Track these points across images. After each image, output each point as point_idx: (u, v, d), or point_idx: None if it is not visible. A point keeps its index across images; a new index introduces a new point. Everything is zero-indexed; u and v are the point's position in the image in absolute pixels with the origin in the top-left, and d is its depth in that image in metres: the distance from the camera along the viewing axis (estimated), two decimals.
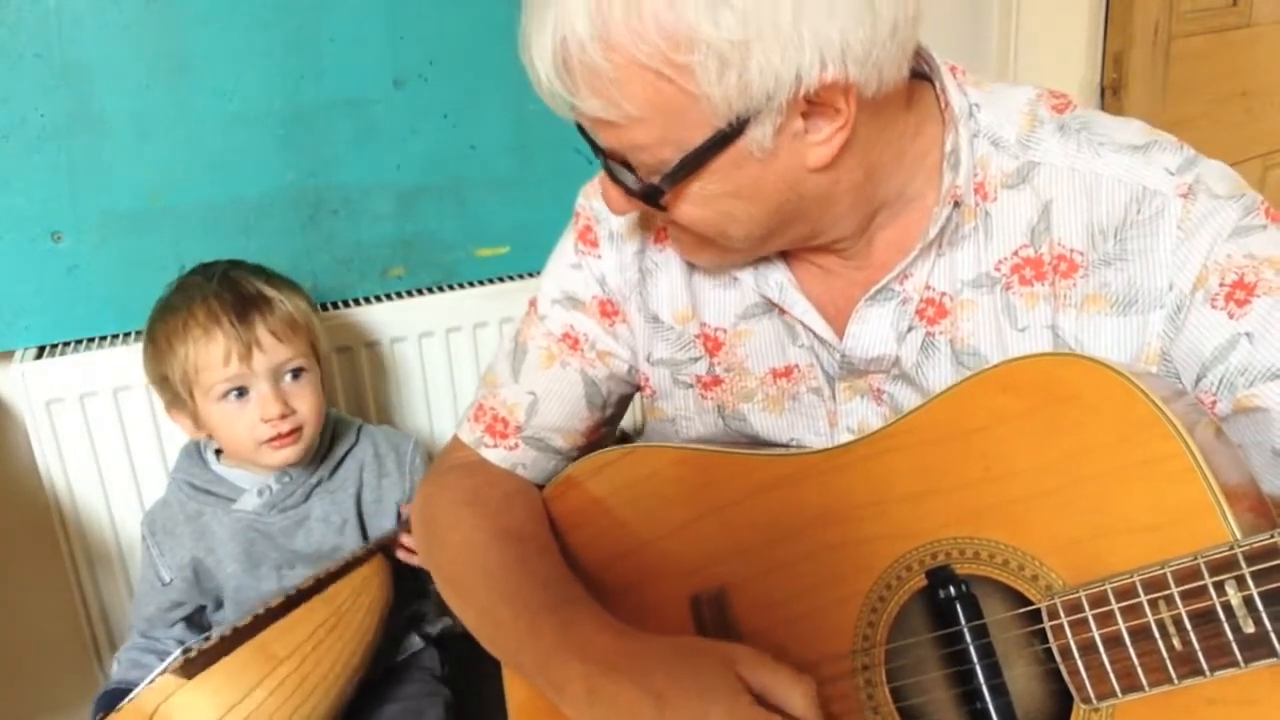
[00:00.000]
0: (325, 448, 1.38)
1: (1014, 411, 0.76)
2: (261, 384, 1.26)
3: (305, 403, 1.30)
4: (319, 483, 1.35)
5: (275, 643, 1.12)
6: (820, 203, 0.83)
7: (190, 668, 1.08)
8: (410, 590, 1.38)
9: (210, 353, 1.24)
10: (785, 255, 0.94)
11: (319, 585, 1.19)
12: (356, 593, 1.21)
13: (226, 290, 1.28)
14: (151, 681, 1.08)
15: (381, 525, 1.37)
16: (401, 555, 1.31)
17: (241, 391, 1.27)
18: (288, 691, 1.12)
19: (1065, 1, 2.05)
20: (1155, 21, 2.11)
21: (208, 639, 1.13)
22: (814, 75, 0.72)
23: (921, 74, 0.88)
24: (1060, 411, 0.74)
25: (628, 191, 0.83)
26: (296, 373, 1.30)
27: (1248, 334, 0.77)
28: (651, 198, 0.82)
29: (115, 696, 1.23)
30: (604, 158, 0.83)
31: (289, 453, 1.29)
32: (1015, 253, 0.85)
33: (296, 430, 1.29)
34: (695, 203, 0.82)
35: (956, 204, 0.85)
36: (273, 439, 1.28)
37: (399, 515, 1.38)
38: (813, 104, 0.76)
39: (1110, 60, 2.09)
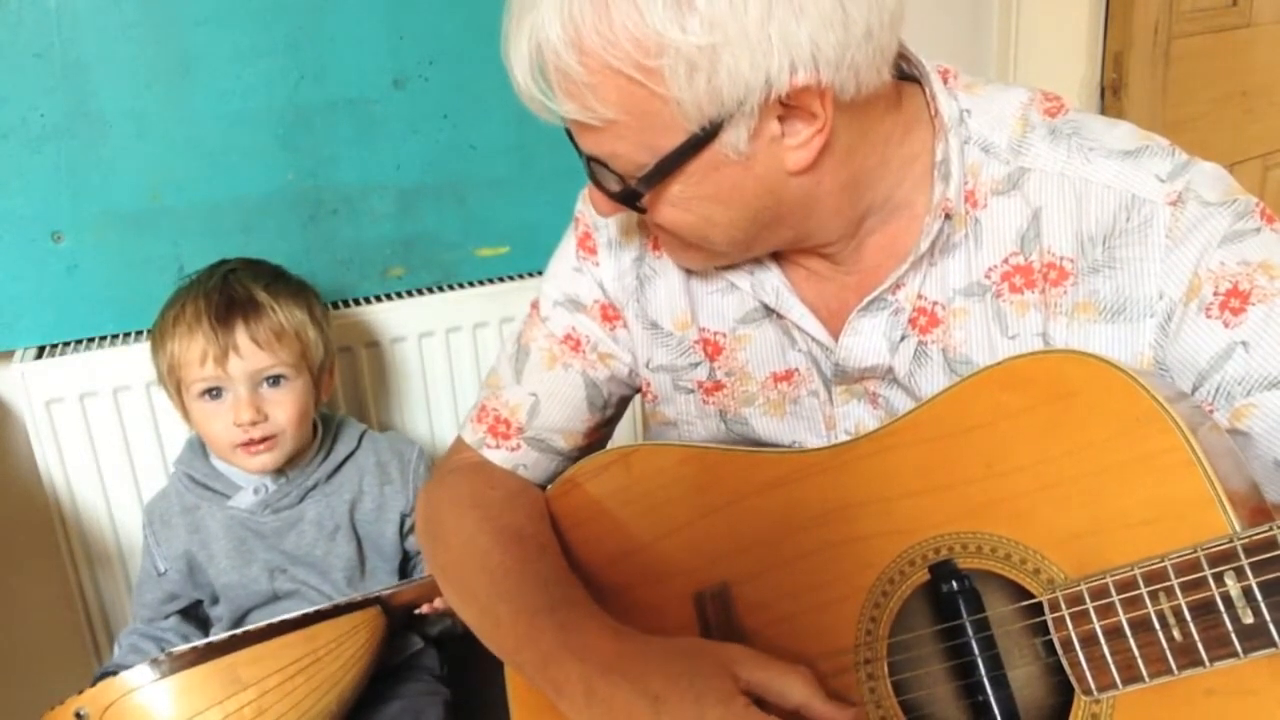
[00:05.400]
0: (326, 451, 1.38)
1: (1016, 408, 0.76)
2: (238, 388, 1.27)
3: (281, 411, 1.29)
4: (315, 486, 1.35)
5: (243, 667, 1.10)
6: (802, 206, 0.83)
7: (155, 670, 1.08)
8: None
9: (190, 351, 1.25)
10: (779, 259, 0.94)
11: (304, 621, 1.16)
12: (340, 640, 1.17)
13: (218, 291, 1.29)
14: (116, 674, 1.08)
15: (383, 533, 1.37)
16: (425, 608, 1.29)
17: (217, 392, 1.27)
18: None
19: (1065, 1, 2.05)
20: (1155, 21, 2.11)
21: (180, 647, 1.13)
22: (784, 79, 0.73)
23: (911, 77, 0.88)
24: (1062, 408, 0.74)
25: (609, 194, 0.84)
26: (276, 380, 1.29)
27: (1243, 343, 0.77)
28: (631, 200, 0.82)
29: (111, 675, 1.24)
30: (586, 161, 0.83)
31: (264, 459, 1.29)
32: (1005, 260, 0.85)
33: (270, 438, 1.29)
34: (675, 205, 0.82)
35: (948, 216, 0.84)
36: (245, 444, 1.28)
37: (406, 557, 1.38)
38: (788, 107, 0.76)
39: (1110, 60, 2.09)
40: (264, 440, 1.28)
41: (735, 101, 0.74)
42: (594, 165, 0.82)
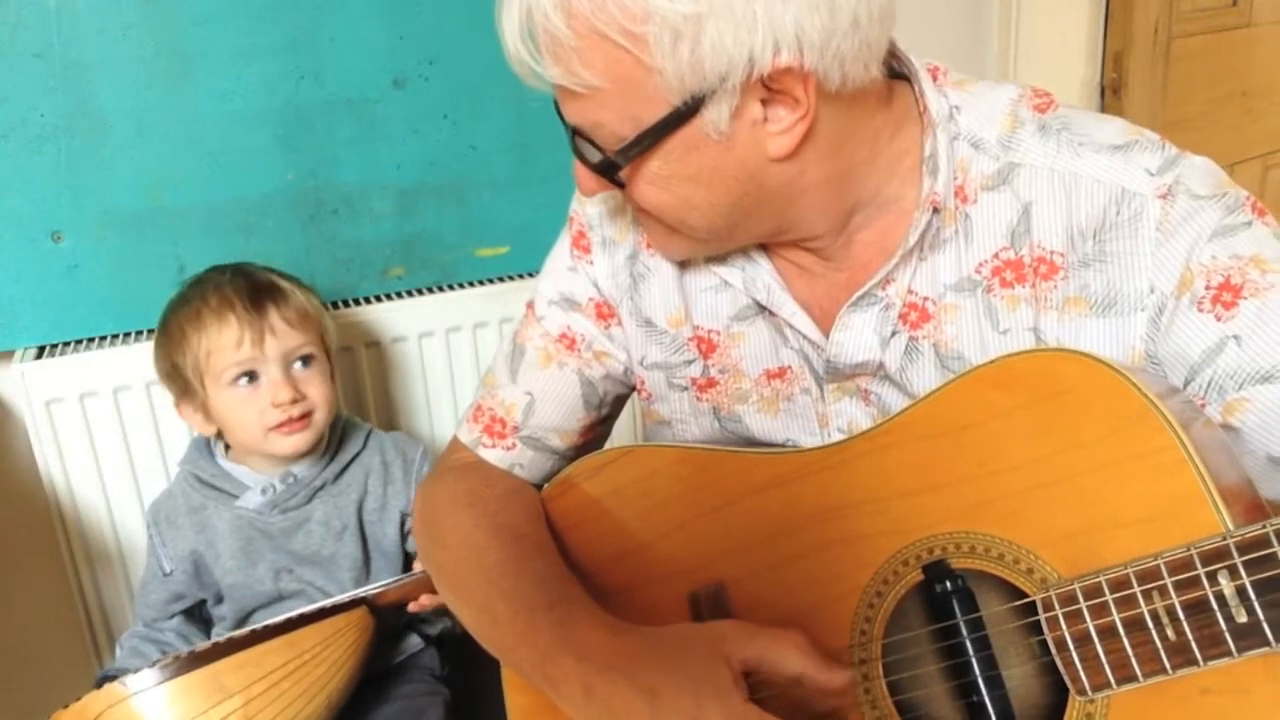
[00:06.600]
0: (333, 450, 1.38)
1: (1008, 407, 0.76)
2: (273, 369, 1.28)
3: (316, 389, 1.31)
4: (322, 486, 1.36)
5: (228, 674, 1.10)
6: (784, 195, 0.83)
7: (139, 681, 1.07)
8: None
9: (224, 336, 1.26)
10: (770, 256, 0.94)
11: (287, 625, 1.16)
12: (325, 643, 1.17)
13: (240, 279, 1.31)
14: (116, 678, 1.07)
15: (385, 533, 1.37)
16: (412, 607, 1.29)
17: (252, 376, 1.28)
18: None
19: (1065, 1, 2.05)
20: (1155, 21, 2.11)
21: (171, 656, 1.12)
22: (767, 58, 0.73)
23: (901, 75, 0.88)
24: (1054, 406, 0.74)
25: (590, 166, 0.84)
26: (307, 360, 1.31)
27: (1235, 336, 0.77)
28: (610, 172, 0.82)
29: (111, 680, 1.24)
30: (571, 133, 0.83)
31: (299, 440, 1.30)
32: (995, 255, 0.85)
33: (307, 416, 1.30)
34: (654, 184, 0.82)
35: (936, 210, 0.84)
36: (282, 424, 1.28)
37: (407, 558, 1.39)
38: (771, 90, 0.76)
39: (1110, 60, 2.09)
40: (302, 418, 1.30)
41: (717, 76, 0.74)
42: (577, 139, 0.83)
